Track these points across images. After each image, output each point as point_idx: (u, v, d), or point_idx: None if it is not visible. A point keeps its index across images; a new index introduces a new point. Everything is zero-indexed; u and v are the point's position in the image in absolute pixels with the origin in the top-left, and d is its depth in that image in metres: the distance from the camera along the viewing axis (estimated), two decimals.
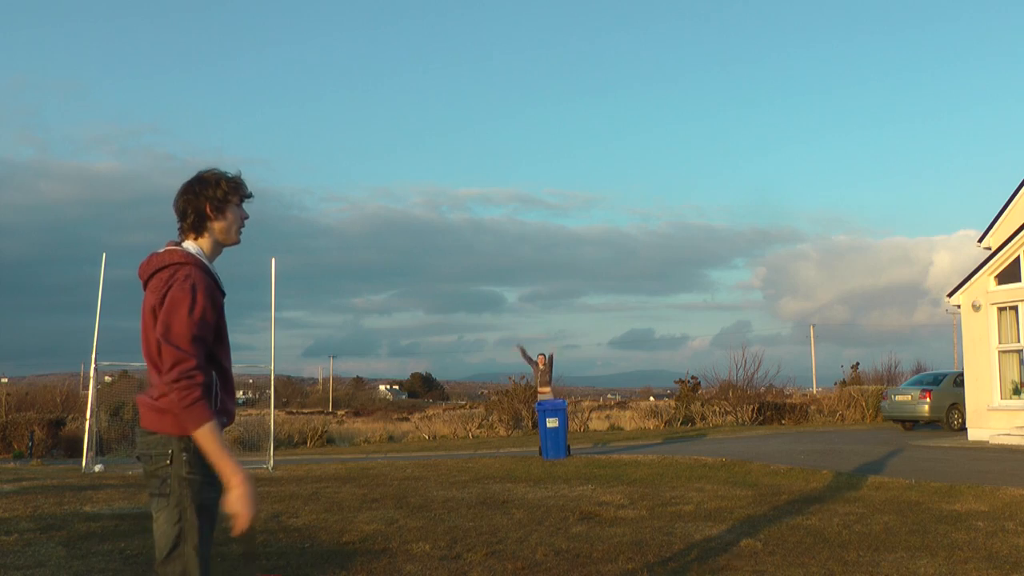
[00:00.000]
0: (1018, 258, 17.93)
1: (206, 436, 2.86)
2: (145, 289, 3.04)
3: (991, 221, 19.97)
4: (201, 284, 2.96)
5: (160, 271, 2.99)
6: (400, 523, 7.84)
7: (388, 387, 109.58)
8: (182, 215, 3.08)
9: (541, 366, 17.34)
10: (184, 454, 2.93)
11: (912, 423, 22.44)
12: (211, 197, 3.06)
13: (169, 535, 2.92)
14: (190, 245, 3.08)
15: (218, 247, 3.14)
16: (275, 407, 26.10)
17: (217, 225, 3.09)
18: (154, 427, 2.96)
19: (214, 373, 3.03)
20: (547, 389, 17.20)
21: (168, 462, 2.93)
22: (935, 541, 6.63)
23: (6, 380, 54.89)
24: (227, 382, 3.11)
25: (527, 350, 17.86)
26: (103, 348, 15.94)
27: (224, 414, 3.07)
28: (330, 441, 29.23)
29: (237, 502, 2.88)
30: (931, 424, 22.31)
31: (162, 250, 3.05)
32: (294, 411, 61.20)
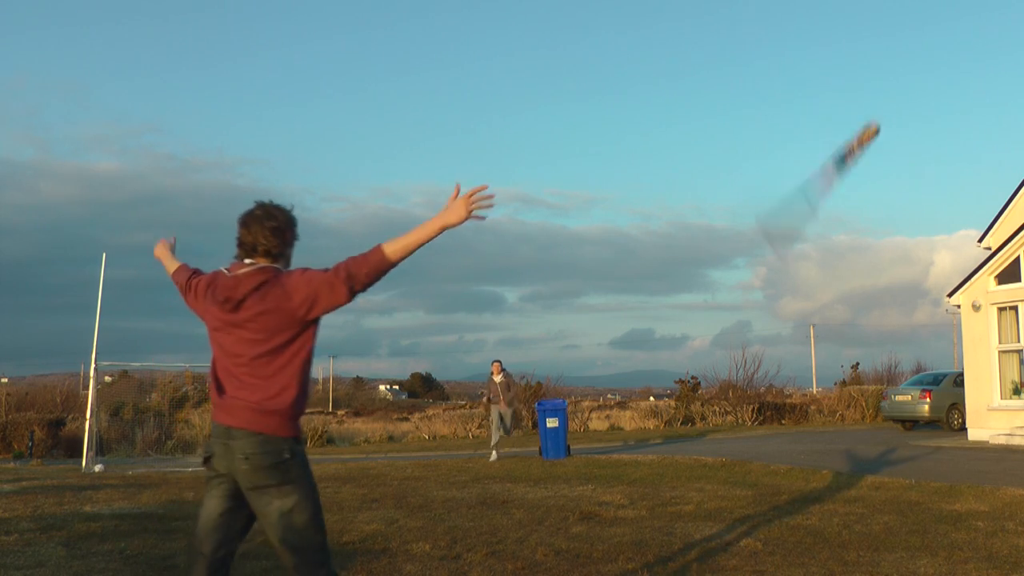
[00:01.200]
0: (1018, 258, 17.93)
1: (396, 245, 3.23)
2: (239, 308, 3.26)
3: (991, 221, 19.95)
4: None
5: (261, 286, 3.25)
6: (400, 523, 7.84)
7: (388, 387, 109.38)
8: (270, 242, 3.36)
9: (496, 375, 16.03)
10: (297, 446, 3.31)
11: (912, 423, 22.43)
12: (292, 227, 3.48)
13: (309, 511, 3.31)
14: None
15: None
16: None
17: (291, 252, 3.49)
18: (260, 428, 3.23)
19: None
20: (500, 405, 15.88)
21: (288, 455, 3.25)
22: (935, 541, 6.63)
23: (6, 380, 54.83)
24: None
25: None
26: (103, 348, 16.05)
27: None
28: (330, 441, 29.21)
29: (455, 210, 3.27)
30: (931, 424, 22.30)
31: (247, 270, 3.30)
32: None
